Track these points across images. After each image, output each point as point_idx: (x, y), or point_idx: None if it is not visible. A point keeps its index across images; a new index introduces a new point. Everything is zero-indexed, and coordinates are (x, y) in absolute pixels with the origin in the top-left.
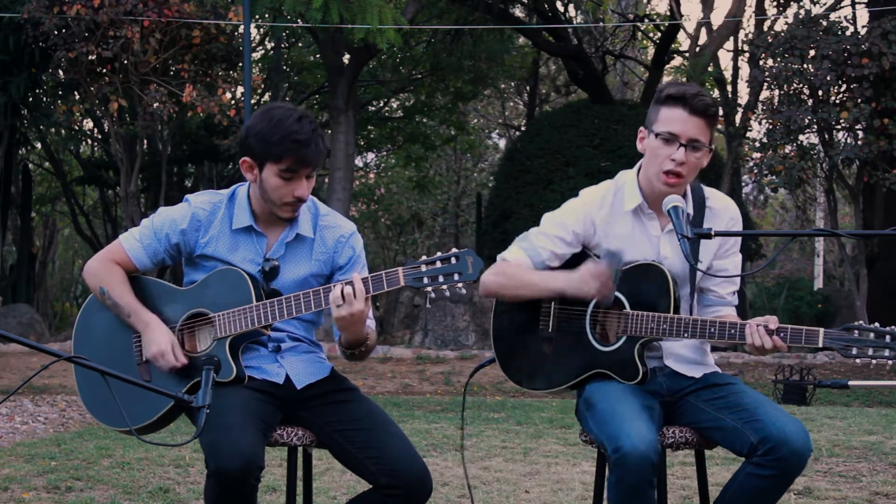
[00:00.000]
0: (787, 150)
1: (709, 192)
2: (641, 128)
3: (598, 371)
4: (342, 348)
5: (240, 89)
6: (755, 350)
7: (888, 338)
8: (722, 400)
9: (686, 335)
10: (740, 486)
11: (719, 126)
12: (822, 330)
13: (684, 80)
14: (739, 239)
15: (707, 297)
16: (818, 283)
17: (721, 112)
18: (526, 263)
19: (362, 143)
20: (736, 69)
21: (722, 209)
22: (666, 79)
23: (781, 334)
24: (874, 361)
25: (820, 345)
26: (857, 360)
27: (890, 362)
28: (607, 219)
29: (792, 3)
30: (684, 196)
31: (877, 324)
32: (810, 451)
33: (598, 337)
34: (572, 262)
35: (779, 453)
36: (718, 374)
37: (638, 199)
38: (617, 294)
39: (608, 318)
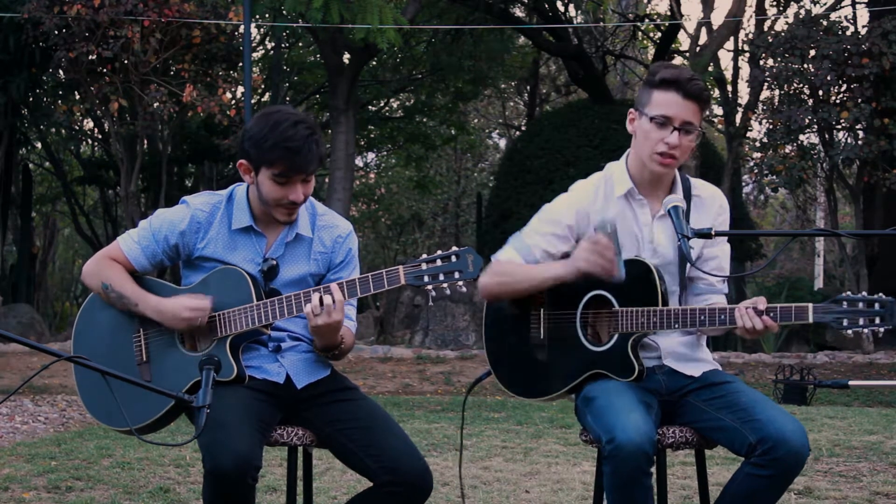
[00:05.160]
0: (787, 150)
1: (695, 181)
2: (631, 109)
3: (594, 372)
4: (316, 351)
5: (240, 89)
6: (746, 333)
7: (877, 305)
8: (721, 399)
9: (676, 325)
10: (739, 486)
11: (720, 126)
12: (810, 305)
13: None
14: (727, 225)
15: (697, 285)
16: (818, 283)
17: (721, 112)
18: (519, 263)
19: (362, 143)
20: (736, 69)
21: (709, 197)
22: None
23: (771, 314)
24: (866, 331)
25: (810, 320)
26: (850, 332)
27: (882, 330)
28: (601, 210)
29: (792, 2)
30: (673, 184)
31: (864, 292)
32: (808, 452)
33: (590, 338)
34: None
35: (777, 453)
36: (718, 372)
37: (628, 184)
38: (604, 293)
39: (598, 318)
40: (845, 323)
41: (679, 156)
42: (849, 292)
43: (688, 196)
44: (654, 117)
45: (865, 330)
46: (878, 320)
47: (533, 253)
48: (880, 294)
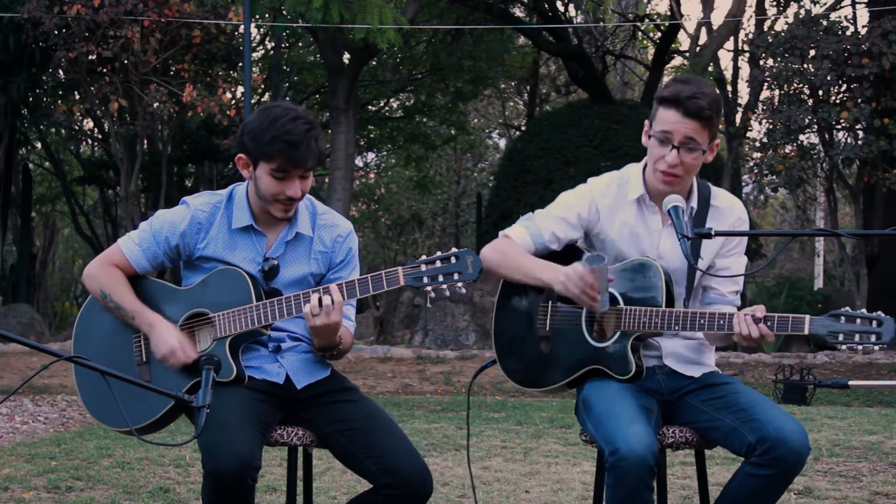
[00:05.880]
0: (787, 150)
1: (715, 190)
2: (647, 121)
3: (594, 367)
4: (314, 351)
5: (240, 89)
6: (743, 339)
7: (874, 323)
8: (720, 400)
9: (677, 328)
10: (739, 486)
11: (720, 126)
12: (808, 317)
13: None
14: (744, 239)
15: (709, 294)
16: (818, 283)
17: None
18: (526, 242)
19: (362, 143)
20: (736, 69)
21: (728, 208)
22: (666, 79)
23: (768, 323)
24: (860, 348)
25: (806, 332)
26: (844, 347)
27: (877, 348)
28: (612, 206)
29: (792, 2)
30: (690, 192)
31: (863, 310)
32: (808, 451)
33: (595, 334)
34: (567, 254)
35: (776, 453)
36: (717, 373)
37: (641, 189)
38: (611, 291)
39: (605, 315)
40: (841, 338)
41: (682, 173)
42: (847, 308)
43: (705, 205)
44: (655, 134)
45: (860, 347)
46: (873, 338)
47: (542, 234)
48: (879, 312)
